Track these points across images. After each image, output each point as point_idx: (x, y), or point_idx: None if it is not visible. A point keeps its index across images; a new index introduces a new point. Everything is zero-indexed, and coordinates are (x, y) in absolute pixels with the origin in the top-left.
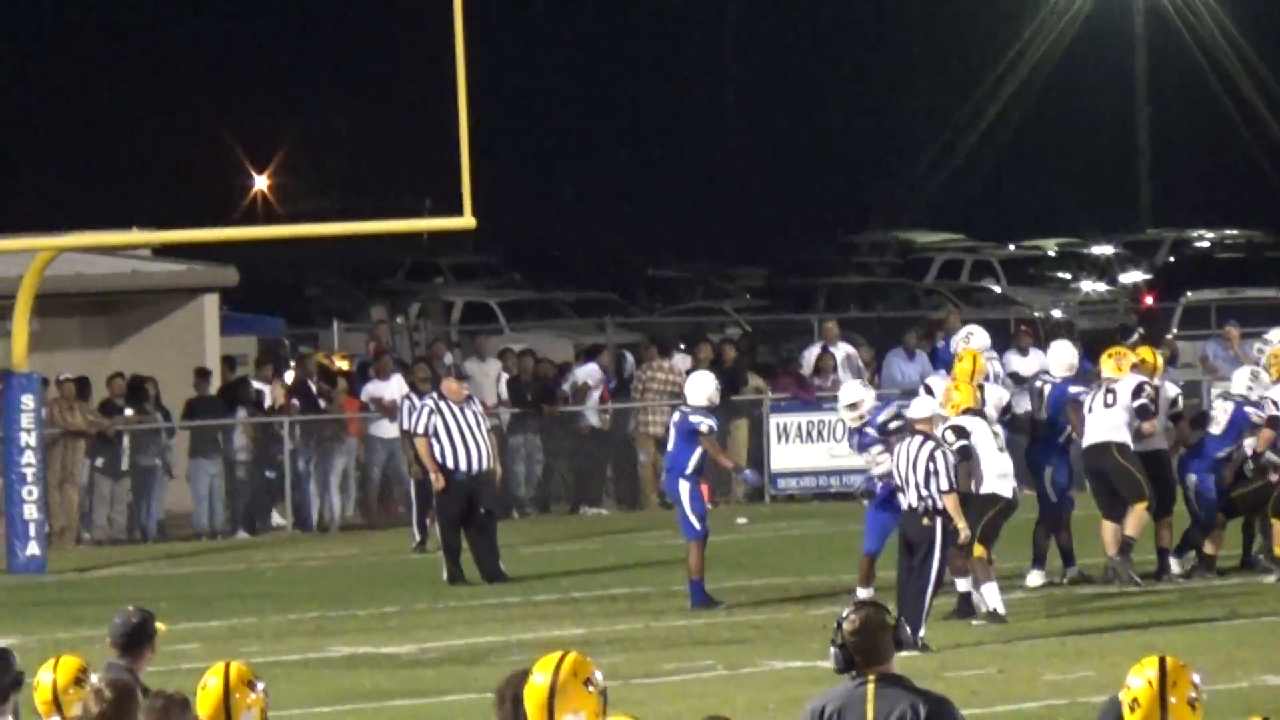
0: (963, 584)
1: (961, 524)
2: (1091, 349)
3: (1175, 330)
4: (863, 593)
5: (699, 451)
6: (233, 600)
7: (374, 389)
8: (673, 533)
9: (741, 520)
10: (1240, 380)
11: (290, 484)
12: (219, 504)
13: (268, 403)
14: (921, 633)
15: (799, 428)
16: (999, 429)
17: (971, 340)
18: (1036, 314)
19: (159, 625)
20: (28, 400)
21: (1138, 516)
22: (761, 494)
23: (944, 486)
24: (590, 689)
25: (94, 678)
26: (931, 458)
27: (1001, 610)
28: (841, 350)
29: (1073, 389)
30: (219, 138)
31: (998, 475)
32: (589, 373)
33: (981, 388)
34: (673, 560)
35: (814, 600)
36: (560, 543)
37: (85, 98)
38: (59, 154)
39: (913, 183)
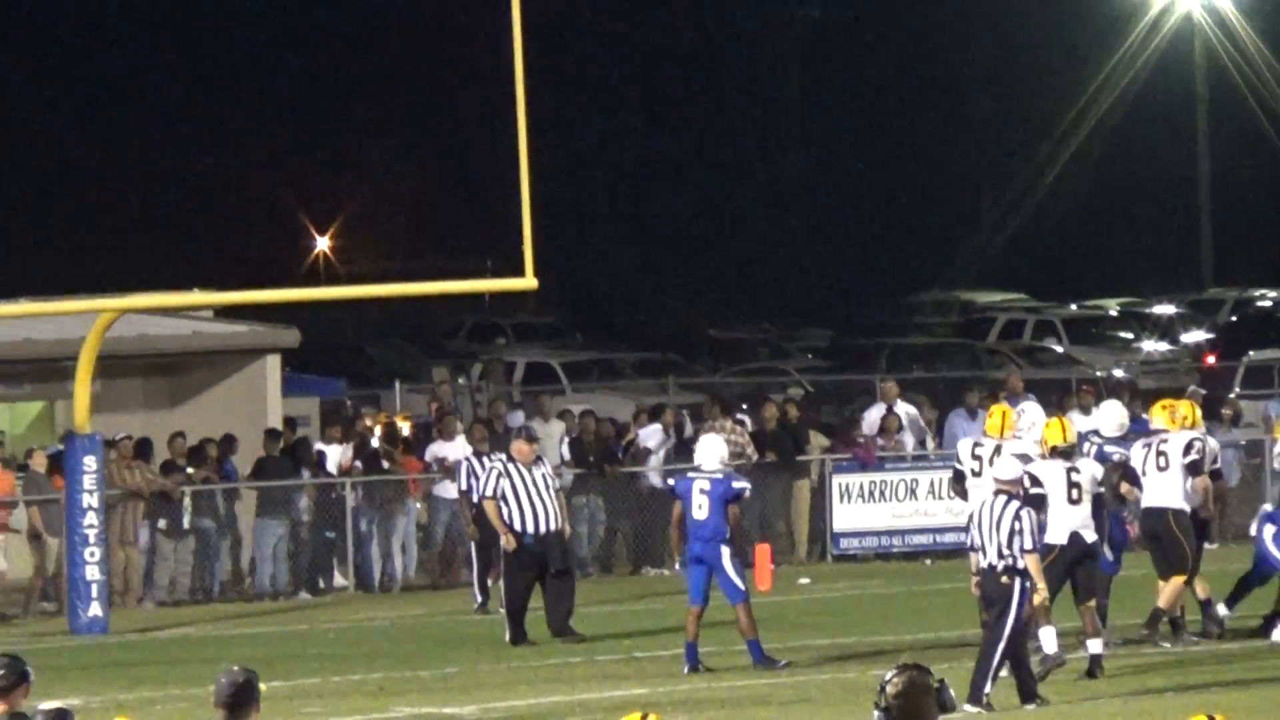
0: (1094, 645)
1: (1041, 584)
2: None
3: (1238, 390)
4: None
5: (731, 515)
6: (294, 661)
7: (438, 449)
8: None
9: (804, 580)
10: None
11: (352, 544)
12: (282, 564)
13: (331, 463)
14: (988, 689)
15: (861, 488)
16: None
17: (1023, 417)
18: (1098, 374)
19: (261, 685)
20: (90, 461)
21: (1173, 589)
22: (824, 554)
23: (1027, 546)
24: None
25: None
26: (1017, 517)
27: (1055, 650)
28: (903, 409)
29: (1107, 447)
30: (281, 199)
31: (1064, 524)
32: (651, 434)
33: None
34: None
35: (877, 659)
36: (623, 603)
37: (147, 159)
38: (122, 215)
39: (975, 243)
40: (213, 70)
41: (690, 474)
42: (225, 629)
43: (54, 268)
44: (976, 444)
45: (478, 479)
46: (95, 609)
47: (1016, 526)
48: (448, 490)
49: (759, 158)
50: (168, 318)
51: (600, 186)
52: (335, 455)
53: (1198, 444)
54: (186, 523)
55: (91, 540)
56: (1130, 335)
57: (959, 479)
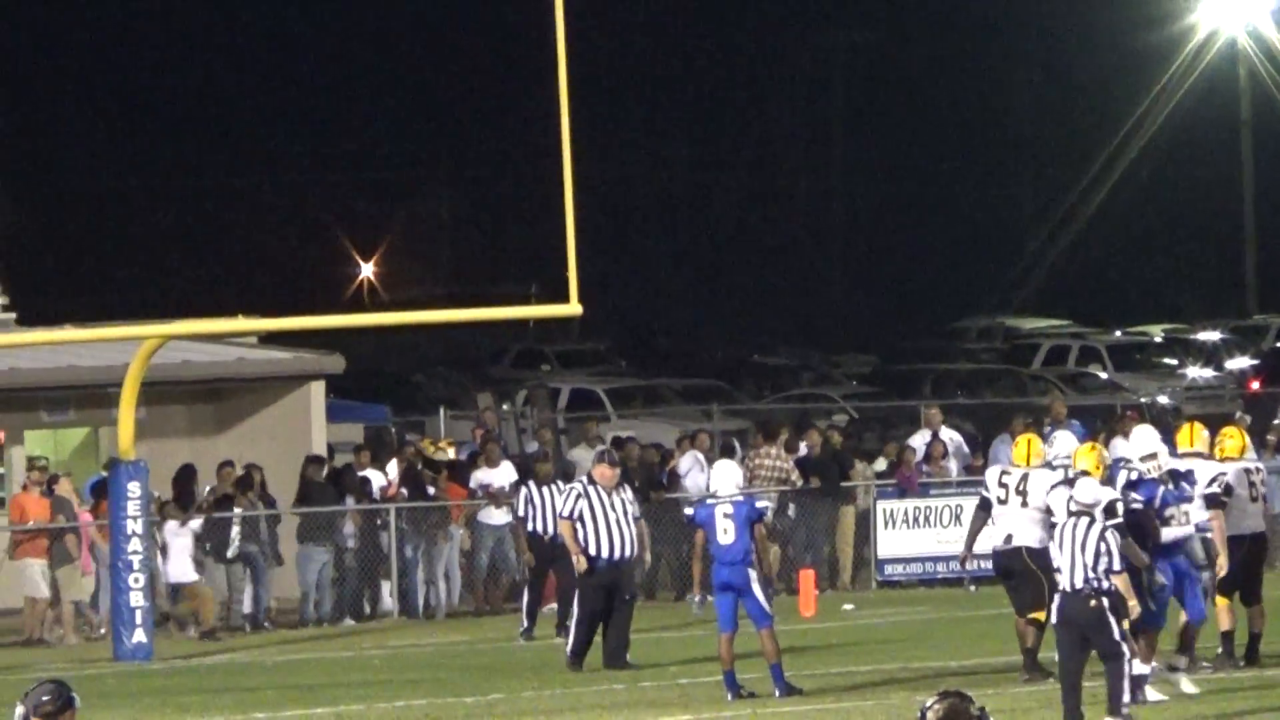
0: (1139, 667)
1: (1132, 601)
2: None
3: None
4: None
5: (757, 535)
6: (339, 688)
7: (482, 476)
8: (779, 618)
9: (848, 607)
10: None
11: (397, 571)
12: (326, 591)
13: (375, 490)
14: (1126, 707)
15: (905, 513)
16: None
17: (1056, 444)
18: (1143, 400)
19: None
20: (134, 488)
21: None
22: (869, 580)
23: (1116, 567)
24: None
25: None
26: (1102, 538)
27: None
28: (947, 435)
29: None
30: (325, 226)
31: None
32: (692, 461)
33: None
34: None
35: (920, 685)
36: (667, 629)
37: (192, 187)
38: (167, 243)
39: (1019, 269)
40: (259, 99)
41: (709, 500)
42: (270, 655)
43: (99, 295)
44: (1004, 472)
45: (534, 507)
46: (140, 635)
47: (1103, 548)
48: (492, 516)
49: (804, 184)
50: (212, 344)
51: (645, 213)
52: (379, 481)
53: (1221, 478)
54: (232, 550)
55: (136, 566)
56: (1175, 361)
57: (985, 507)
